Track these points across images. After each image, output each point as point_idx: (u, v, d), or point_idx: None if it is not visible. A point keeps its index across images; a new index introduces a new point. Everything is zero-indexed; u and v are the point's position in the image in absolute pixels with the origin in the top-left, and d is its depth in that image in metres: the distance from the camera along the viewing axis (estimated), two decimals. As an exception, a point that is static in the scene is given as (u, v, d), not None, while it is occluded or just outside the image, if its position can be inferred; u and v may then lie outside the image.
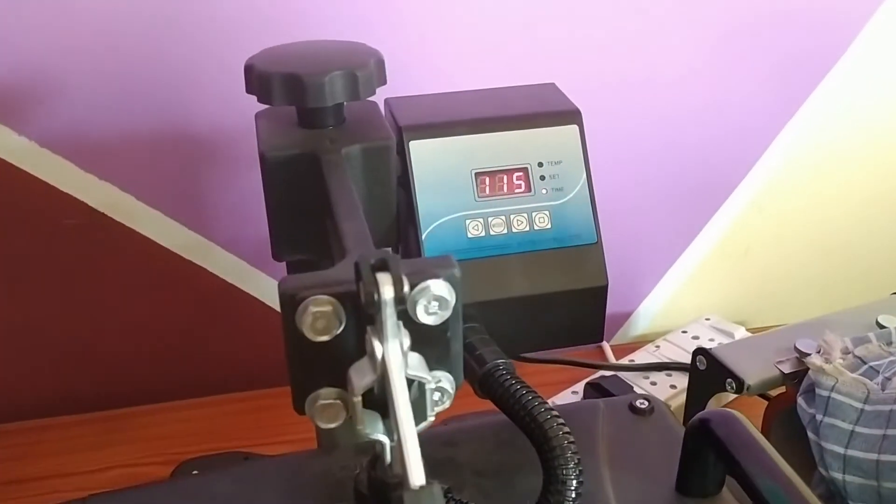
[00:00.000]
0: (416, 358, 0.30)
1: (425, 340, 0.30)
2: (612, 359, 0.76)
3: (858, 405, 0.48)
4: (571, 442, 0.36)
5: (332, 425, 0.31)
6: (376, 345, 0.28)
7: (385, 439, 0.31)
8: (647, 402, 0.46)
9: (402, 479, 0.27)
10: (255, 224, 0.56)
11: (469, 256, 0.45)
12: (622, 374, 0.68)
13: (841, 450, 0.47)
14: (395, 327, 0.28)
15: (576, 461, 0.36)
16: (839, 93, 0.79)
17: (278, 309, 0.29)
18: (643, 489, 0.41)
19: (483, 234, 0.46)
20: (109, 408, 0.72)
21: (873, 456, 0.45)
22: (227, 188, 0.71)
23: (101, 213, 0.69)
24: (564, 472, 0.36)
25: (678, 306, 0.88)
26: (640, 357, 0.74)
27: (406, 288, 0.28)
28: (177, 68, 0.66)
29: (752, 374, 0.54)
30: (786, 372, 0.54)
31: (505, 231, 0.46)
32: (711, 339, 0.75)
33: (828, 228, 0.87)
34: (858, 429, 0.47)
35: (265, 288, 0.76)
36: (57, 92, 0.64)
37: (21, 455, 0.68)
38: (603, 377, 0.67)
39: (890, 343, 0.53)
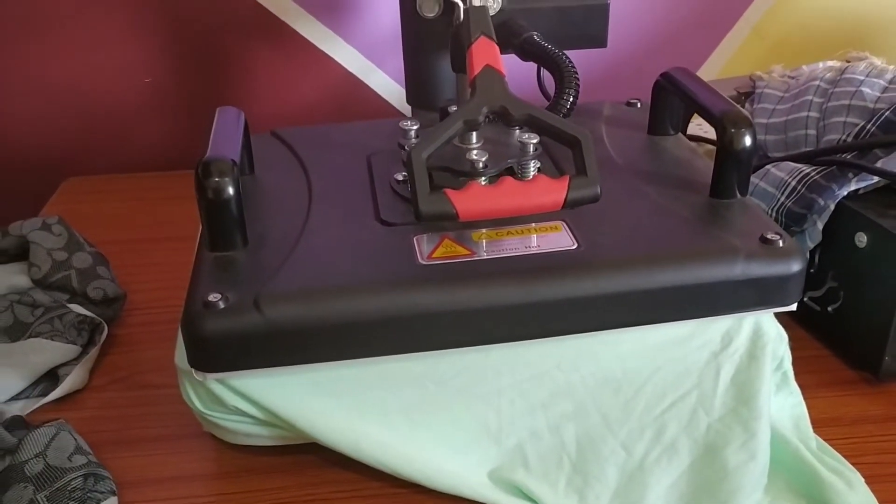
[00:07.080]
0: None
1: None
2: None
3: (780, 94, 0.70)
4: (572, 66, 0.59)
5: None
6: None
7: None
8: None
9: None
10: None
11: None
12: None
13: (765, 120, 0.69)
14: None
15: (575, 76, 0.59)
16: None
17: None
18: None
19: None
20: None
21: (783, 118, 0.67)
22: None
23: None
24: (567, 79, 0.59)
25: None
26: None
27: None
28: None
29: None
30: (741, 91, 0.76)
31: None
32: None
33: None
34: (778, 107, 0.69)
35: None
36: None
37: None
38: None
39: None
